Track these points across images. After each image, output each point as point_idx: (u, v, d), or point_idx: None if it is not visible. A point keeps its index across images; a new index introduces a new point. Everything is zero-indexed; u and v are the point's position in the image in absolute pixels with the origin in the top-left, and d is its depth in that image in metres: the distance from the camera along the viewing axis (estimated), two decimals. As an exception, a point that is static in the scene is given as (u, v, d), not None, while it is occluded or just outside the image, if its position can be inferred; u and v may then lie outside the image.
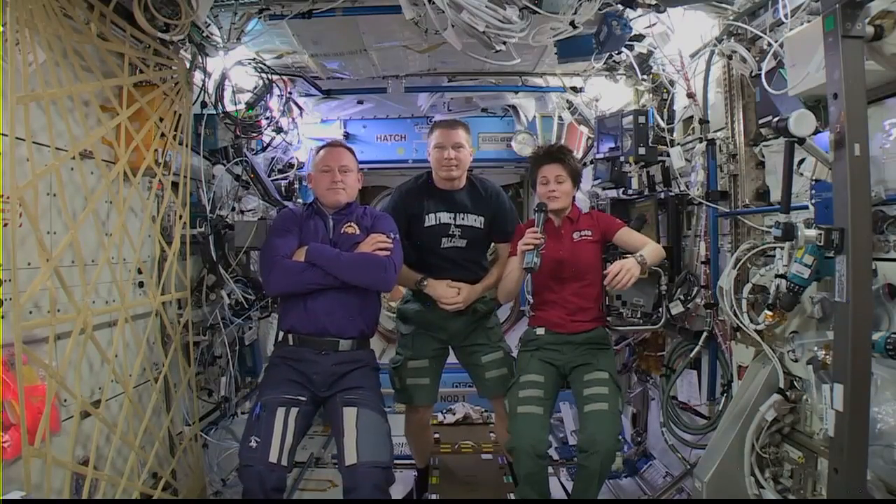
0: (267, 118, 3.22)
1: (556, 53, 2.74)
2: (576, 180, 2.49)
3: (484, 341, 2.70)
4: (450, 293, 2.58)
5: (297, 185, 3.82)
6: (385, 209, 2.73)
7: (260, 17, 2.49)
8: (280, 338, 2.43)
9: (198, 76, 2.66)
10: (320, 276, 2.25)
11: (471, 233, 2.67)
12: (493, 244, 2.84)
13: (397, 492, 3.25)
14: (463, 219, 2.66)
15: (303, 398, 2.18)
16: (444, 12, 1.92)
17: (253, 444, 2.04)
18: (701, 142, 2.55)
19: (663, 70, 2.82)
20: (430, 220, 2.64)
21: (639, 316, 2.90)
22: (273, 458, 2.00)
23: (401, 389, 2.71)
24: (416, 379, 2.67)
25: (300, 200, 3.87)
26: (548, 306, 2.50)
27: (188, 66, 2.50)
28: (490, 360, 2.68)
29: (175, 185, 2.44)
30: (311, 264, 2.26)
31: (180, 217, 2.43)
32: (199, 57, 2.55)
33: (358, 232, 2.38)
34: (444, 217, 2.65)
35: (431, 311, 2.66)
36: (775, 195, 2.19)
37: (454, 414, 4.24)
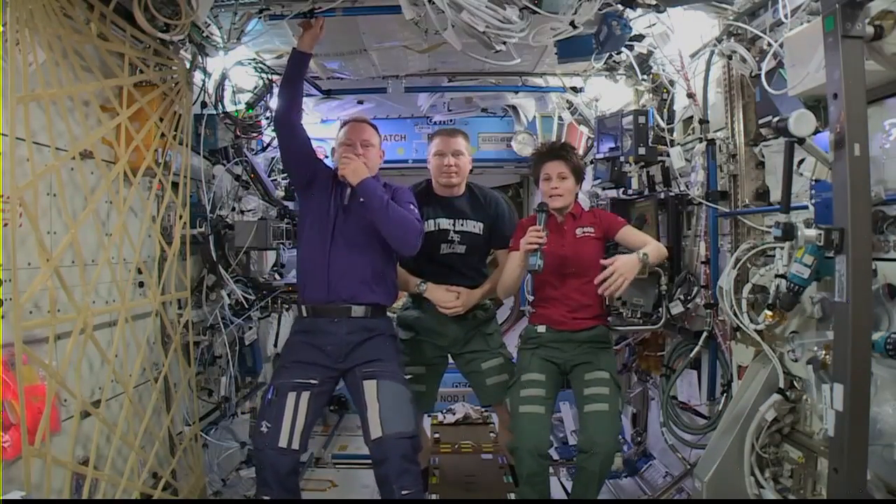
0: (267, 118, 3.22)
1: (556, 53, 2.74)
2: (578, 177, 2.49)
3: (483, 347, 2.70)
4: (449, 297, 2.57)
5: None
6: None
7: (260, 17, 2.49)
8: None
9: (198, 76, 2.66)
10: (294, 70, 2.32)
11: (470, 239, 2.67)
12: (491, 250, 2.84)
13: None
14: (462, 225, 2.66)
15: (314, 381, 2.18)
16: (444, 12, 1.91)
17: (264, 429, 2.09)
18: (701, 142, 2.55)
19: (663, 70, 2.82)
20: (430, 226, 2.64)
21: (639, 316, 2.90)
22: (283, 442, 2.05)
23: None
24: (412, 385, 2.66)
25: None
26: (549, 303, 2.50)
27: (188, 66, 2.50)
28: (490, 367, 2.67)
29: (175, 185, 2.44)
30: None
31: (180, 217, 2.43)
32: (199, 57, 2.55)
33: None
34: (444, 223, 2.65)
35: (430, 316, 2.66)
36: (775, 195, 2.18)
37: (454, 414, 4.24)
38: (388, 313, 2.47)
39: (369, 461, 3.65)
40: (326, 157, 4.40)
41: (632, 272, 2.25)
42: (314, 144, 4.39)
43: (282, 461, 2.04)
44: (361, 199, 2.24)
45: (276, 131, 2.58)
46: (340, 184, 2.37)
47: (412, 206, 2.35)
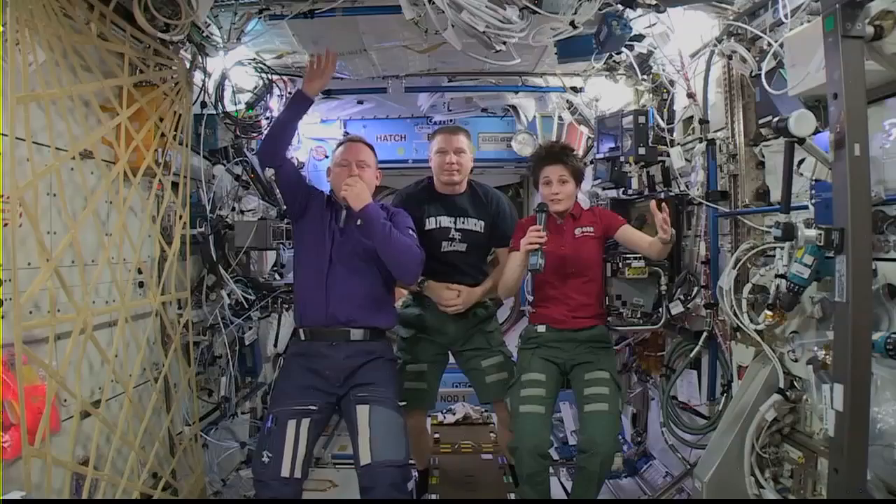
0: (267, 118, 3.22)
1: (556, 53, 2.74)
2: (578, 180, 2.49)
3: (484, 345, 2.70)
4: (449, 295, 2.58)
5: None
6: None
7: (260, 17, 2.49)
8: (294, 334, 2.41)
9: (198, 76, 2.66)
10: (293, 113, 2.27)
11: (471, 237, 2.67)
12: (492, 249, 2.84)
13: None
14: (463, 223, 2.66)
15: (314, 407, 2.15)
16: (444, 12, 1.92)
17: (265, 458, 2.05)
18: (701, 142, 2.55)
19: (663, 70, 2.82)
20: (431, 223, 2.64)
21: (639, 316, 2.90)
22: (285, 472, 2.01)
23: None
24: (413, 383, 2.67)
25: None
26: (549, 303, 2.50)
27: (188, 66, 2.50)
28: (490, 365, 2.68)
29: (175, 185, 2.44)
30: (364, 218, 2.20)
31: (180, 217, 2.43)
32: (199, 57, 2.56)
33: None
34: (445, 221, 2.65)
35: (431, 314, 2.66)
36: (775, 195, 2.19)
37: (454, 414, 4.25)
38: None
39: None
40: (326, 156, 4.41)
41: (670, 236, 2.25)
42: (314, 144, 4.42)
43: (284, 492, 2.01)
44: (359, 222, 2.20)
45: (260, 167, 2.57)
46: (335, 207, 2.36)
47: (411, 231, 2.32)
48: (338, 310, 2.24)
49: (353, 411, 2.14)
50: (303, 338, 2.31)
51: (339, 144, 2.49)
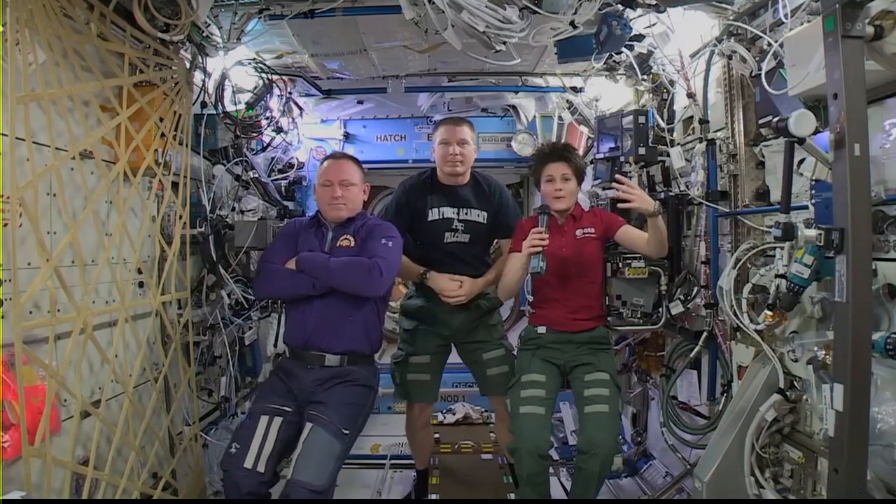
0: (267, 118, 3.22)
1: (556, 53, 2.74)
2: (580, 178, 2.50)
3: (486, 338, 2.71)
4: (452, 286, 2.59)
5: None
6: (388, 204, 2.77)
7: (260, 17, 2.49)
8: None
9: (198, 76, 2.66)
10: (306, 283, 2.25)
11: (474, 228, 2.68)
12: (495, 240, 2.85)
13: (397, 492, 3.25)
14: (466, 214, 2.67)
15: (288, 409, 2.18)
16: (444, 12, 1.92)
17: (233, 450, 2.09)
18: (701, 142, 2.55)
19: (663, 70, 2.82)
20: (434, 214, 2.65)
21: (639, 316, 2.90)
22: (248, 463, 2.03)
23: (401, 385, 2.73)
24: (416, 375, 2.68)
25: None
26: (549, 304, 2.50)
27: (188, 66, 2.50)
28: (492, 357, 2.69)
29: (175, 185, 2.44)
30: (300, 271, 2.27)
31: (180, 217, 2.43)
32: (199, 57, 2.55)
33: (353, 244, 2.35)
34: (448, 212, 2.66)
35: (434, 305, 2.68)
36: (775, 195, 2.19)
37: (454, 414, 4.25)
38: (389, 312, 2.45)
39: (369, 461, 3.66)
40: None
41: (643, 203, 2.22)
42: (314, 145, 4.43)
43: (245, 482, 2.01)
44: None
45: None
46: (322, 227, 2.40)
47: (384, 240, 2.30)
48: (315, 335, 2.27)
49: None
50: (287, 356, 2.37)
51: (324, 160, 2.51)
